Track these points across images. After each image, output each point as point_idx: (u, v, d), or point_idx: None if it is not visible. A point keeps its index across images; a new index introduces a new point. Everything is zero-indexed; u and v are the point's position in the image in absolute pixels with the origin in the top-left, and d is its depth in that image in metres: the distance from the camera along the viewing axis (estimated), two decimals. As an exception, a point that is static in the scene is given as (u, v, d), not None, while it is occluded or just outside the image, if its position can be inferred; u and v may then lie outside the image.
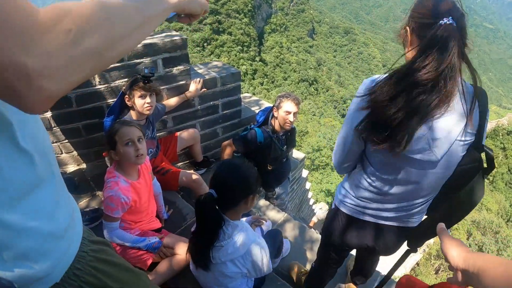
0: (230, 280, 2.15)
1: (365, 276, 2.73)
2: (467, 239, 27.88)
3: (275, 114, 3.60)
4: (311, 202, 8.28)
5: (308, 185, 7.76)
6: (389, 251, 2.08)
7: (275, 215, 3.80)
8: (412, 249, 1.96)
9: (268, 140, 3.68)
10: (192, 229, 2.19)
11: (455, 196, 1.68)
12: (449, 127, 1.49)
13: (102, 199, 2.37)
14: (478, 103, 1.51)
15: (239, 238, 1.98)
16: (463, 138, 1.53)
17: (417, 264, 24.89)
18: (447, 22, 1.39)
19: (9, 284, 0.83)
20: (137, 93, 2.88)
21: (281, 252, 3.10)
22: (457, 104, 1.47)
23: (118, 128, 2.36)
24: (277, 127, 3.66)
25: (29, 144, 0.84)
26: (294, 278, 3.03)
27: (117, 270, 1.18)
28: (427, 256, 25.93)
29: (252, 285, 2.41)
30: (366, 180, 1.85)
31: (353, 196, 1.96)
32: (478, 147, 1.57)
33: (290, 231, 3.58)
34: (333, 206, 2.18)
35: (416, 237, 1.94)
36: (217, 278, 2.12)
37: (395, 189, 1.79)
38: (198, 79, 3.71)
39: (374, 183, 1.83)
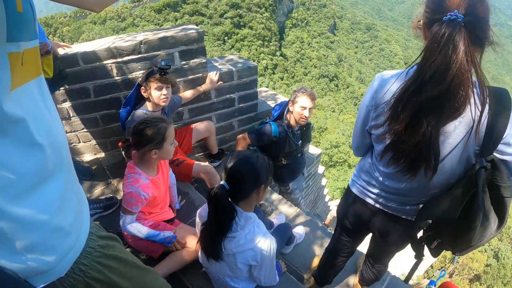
0: (240, 272, 2.18)
1: (373, 274, 2.70)
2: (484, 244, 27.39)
3: (291, 108, 3.60)
4: (326, 199, 8.27)
5: (324, 181, 7.74)
6: (388, 239, 2.07)
7: (287, 209, 3.80)
8: (415, 255, 1.93)
9: (283, 135, 3.69)
10: (201, 211, 2.23)
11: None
12: (450, 131, 1.46)
13: (123, 191, 2.38)
14: (489, 109, 1.40)
15: (251, 230, 2.02)
16: (471, 144, 1.48)
17: (431, 266, 24.61)
18: (451, 18, 1.30)
19: (14, 275, 0.83)
20: (154, 85, 2.90)
21: (292, 240, 3.15)
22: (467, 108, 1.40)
23: (166, 127, 2.38)
24: (292, 121, 3.66)
25: (44, 139, 0.85)
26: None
27: (124, 266, 1.17)
28: (442, 259, 25.62)
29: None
30: (369, 165, 1.92)
31: (359, 177, 2.04)
32: (483, 154, 1.49)
33: (301, 226, 3.58)
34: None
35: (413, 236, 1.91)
36: (227, 269, 2.16)
37: (389, 182, 1.83)
38: (215, 72, 3.73)
39: (374, 171, 1.89)
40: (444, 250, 1.82)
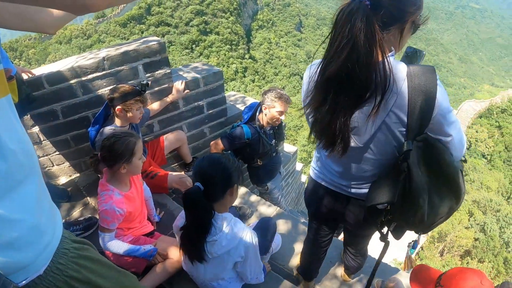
0: (227, 272, 2.22)
1: (354, 262, 2.73)
2: (468, 220, 28.04)
3: (264, 111, 3.63)
4: (308, 195, 8.29)
5: (303, 178, 7.79)
6: (348, 221, 2.11)
7: (266, 209, 3.84)
8: (380, 238, 1.95)
9: (255, 136, 3.72)
10: (176, 223, 2.25)
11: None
12: (369, 113, 1.46)
13: (97, 210, 2.39)
14: (408, 90, 1.41)
15: (230, 230, 2.05)
16: (392, 125, 1.51)
17: (422, 248, 24.94)
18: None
19: None
20: (136, 105, 2.91)
21: (270, 248, 3.14)
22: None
23: (135, 142, 2.39)
24: (264, 123, 3.70)
25: (16, 146, 0.93)
26: None
27: (101, 267, 1.24)
28: (431, 239, 26.00)
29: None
30: (317, 149, 1.97)
31: (314, 161, 2.09)
32: (409, 136, 1.51)
33: (282, 225, 3.62)
34: None
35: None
36: (212, 271, 2.19)
37: (329, 163, 1.92)
38: (181, 81, 3.74)
39: (319, 153, 1.98)
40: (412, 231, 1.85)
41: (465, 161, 1.78)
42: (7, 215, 0.92)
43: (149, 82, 2.95)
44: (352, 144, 1.63)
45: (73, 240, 1.20)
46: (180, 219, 2.22)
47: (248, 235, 2.10)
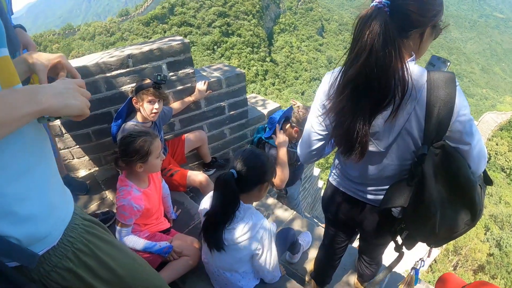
0: (242, 264, 2.24)
1: (368, 270, 2.71)
2: (485, 234, 27.57)
3: (292, 130, 3.59)
4: (324, 201, 8.26)
5: (320, 183, 7.77)
6: (365, 229, 2.08)
7: (283, 213, 3.82)
8: (395, 248, 1.96)
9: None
10: (200, 207, 2.28)
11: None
12: (390, 119, 1.46)
13: (115, 204, 2.41)
14: (427, 95, 1.41)
15: (249, 220, 2.08)
16: (414, 131, 1.50)
17: (435, 260, 24.58)
18: (375, 4, 1.32)
19: (18, 242, 1.02)
20: (146, 98, 2.91)
21: (298, 248, 3.16)
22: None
23: (151, 141, 2.40)
24: (291, 138, 3.67)
25: (31, 132, 1.06)
26: None
27: (110, 247, 1.32)
28: (445, 252, 25.61)
29: (259, 278, 2.50)
30: (336, 155, 1.97)
31: (334, 166, 2.08)
32: (426, 141, 1.50)
33: (299, 228, 3.60)
34: None
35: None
36: (228, 261, 2.21)
37: (348, 169, 1.90)
38: (203, 81, 3.76)
39: (339, 159, 1.97)
40: (423, 243, 1.83)
41: (489, 182, 1.75)
42: (25, 193, 1.03)
43: (165, 76, 2.94)
44: (373, 148, 1.63)
45: (84, 217, 1.30)
46: (206, 202, 2.28)
47: (266, 228, 2.13)
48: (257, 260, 2.21)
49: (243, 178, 1.97)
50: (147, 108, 2.94)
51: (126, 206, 2.35)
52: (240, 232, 2.06)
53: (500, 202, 42.19)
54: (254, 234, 2.09)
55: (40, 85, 0.98)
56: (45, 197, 1.09)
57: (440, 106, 1.40)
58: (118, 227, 2.44)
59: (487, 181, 1.75)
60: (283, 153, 3.35)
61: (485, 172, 1.72)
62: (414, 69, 1.44)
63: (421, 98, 1.42)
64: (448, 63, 1.68)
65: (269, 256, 2.23)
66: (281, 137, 3.37)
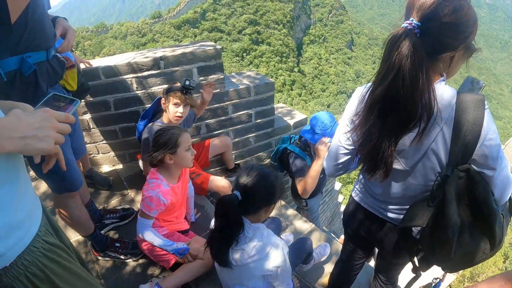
0: (252, 281, 2.17)
1: None
2: (504, 262, 26.76)
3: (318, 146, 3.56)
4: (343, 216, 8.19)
5: (340, 198, 7.70)
6: (384, 247, 2.05)
7: (302, 225, 3.80)
8: (412, 269, 1.92)
9: (311, 163, 3.67)
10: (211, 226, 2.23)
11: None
12: (416, 141, 1.45)
13: (143, 195, 2.44)
14: (455, 117, 1.40)
15: (260, 240, 2.00)
16: (441, 152, 1.49)
17: (450, 286, 24.01)
18: (405, 26, 1.33)
19: None
20: (173, 100, 2.94)
21: (310, 258, 3.13)
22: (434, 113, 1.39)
23: (179, 133, 2.43)
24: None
25: None
26: None
27: (68, 273, 1.26)
28: (461, 278, 24.98)
29: None
30: (361, 171, 1.92)
31: (358, 182, 2.06)
32: (450, 163, 1.48)
33: (316, 243, 3.56)
34: None
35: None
36: (238, 276, 2.16)
37: (372, 186, 1.88)
38: (208, 80, 3.66)
39: (363, 176, 1.93)
40: (438, 267, 1.80)
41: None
42: None
43: (193, 82, 2.93)
44: (398, 166, 1.61)
45: (46, 241, 1.22)
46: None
47: (279, 249, 2.04)
48: (270, 279, 2.15)
49: (249, 200, 1.88)
50: (171, 110, 2.97)
51: (154, 197, 2.38)
52: (249, 253, 1.97)
53: (522, 230, 41.08)
54: (265, 255, 2.01)
55: (11, 121, 0.95)
56: (5, 218, 1.05)
57: (468, 128, 1.38)
58: (140, 218, 2.47)
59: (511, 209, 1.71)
60: (319, 164, 3.31)
61: (510, 200, 1.68)
62: (444, 90, 1.43)
63: (449, 119, 1.41)
64: (483, 85, 1.66)
65: (282, 274, 2.15)
66: (322, 148, 3.33)
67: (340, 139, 1.79)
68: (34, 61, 1.78)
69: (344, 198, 8.21)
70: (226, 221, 1.89)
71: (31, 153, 1.00)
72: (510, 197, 1.65)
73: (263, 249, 1.99)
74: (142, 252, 2.78)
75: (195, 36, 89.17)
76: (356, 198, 2.09)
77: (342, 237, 6.79)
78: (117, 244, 2.82)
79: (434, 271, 2.05)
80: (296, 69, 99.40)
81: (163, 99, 2.99)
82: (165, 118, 3.07)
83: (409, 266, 2.06)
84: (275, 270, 2.04)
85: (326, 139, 3.26)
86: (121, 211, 3.18)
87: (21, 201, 1.12)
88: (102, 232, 3.05)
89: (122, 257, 2.80)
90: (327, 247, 3.37)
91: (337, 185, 6.97)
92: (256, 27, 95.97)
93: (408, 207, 1.72)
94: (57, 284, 1.19)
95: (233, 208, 1.83)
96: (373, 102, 1.46)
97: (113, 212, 3.16)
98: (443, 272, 1.91)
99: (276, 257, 2.02)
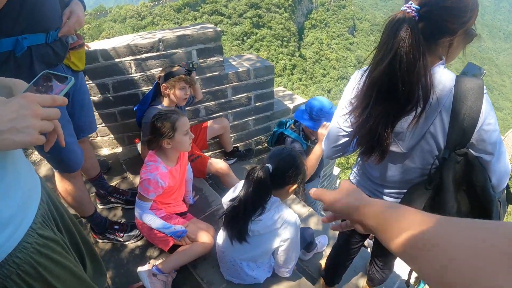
0: (262, 255, 2.27)
1: (379, 275, 2.69)
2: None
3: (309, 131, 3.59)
4: (341, 201, 8.22)
5: (338, 183, 7.71)
6: None
7: (300, 209, 3.81)
8: None
9: (306, 147, 3.68)
10: (226, 198, 2.28)
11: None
12: (413, 124, 1.45)
13: (140, 178, 2.46)
14: (453, 101, 1.42)
15: (276, 211, 2.10)
16: (438, 135, 1.50)
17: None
18: (404, 9, 1.33)
19: None
20: (179, 85, 2.96)
21: (315, 246, 3.18)
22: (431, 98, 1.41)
23: (177, 118, 2.43)
24: (308, 135, 3.66)
25: None
26: None
27: (60, 269, 1.20)
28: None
29: (272, 270, 2.51)
30: (359, 153, 1.94)
31: (356, 164, 2.10)
32: (448, 147, 1.50)
33: (314, 226, 3.59)
34: None
35: None
36: (248, 252, 2.24)
37: (369, 169, 1.91)
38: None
39: (361, 160, 1.96)
40: None
41: (511, 200, 1.72)
42: None
43: (196, 63, 2.97)
44: (396, 149, 1.62)
45: (40, 234, 1.14)
46: (231, 194, 2.28)
47: (293, 221, 2.15)
48: (281, 251, 2.23)
49: (277, 175, 1.98)
50: (179, 95, 2.98)
51: (151, 180, 2.38)
52: (267, 223, 2.08)
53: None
54: (281, 226, 2.11)
55: None
56: None
57: (466, 112, 1.40)
58: (138, 200, 2.48)
59: (509, 199, 1.72)
60: (321, 148, 3.31)
61: (508, 189, 1.70)
62: (443, 73, 1.44)
63: (448, 103, 1.43)
64: (483, 72, 1.65)
65: (291, 250, 2.24)
66: (321, 131, 3.33)
67: (338, 121, 1.80)
68: (30, 43, 1.77)
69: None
70: (256, 190, 1.98)
71: (11, 148, 0.87)
72: (508, 186, 1.66)
73: (279, 221, 2.10)
74: (141, 234, 2.81)
75: (195, 19, 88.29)
76: (353, 181, 2.11)
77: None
78: (116, 227, 2.84)
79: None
80: (297, 54, 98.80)
81: (164, 85, 2.97)
82: (165, 102, 3.07)
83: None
84: (288, 241, 2.15)
85: (327, 124, 3.25)
86: (130, 195, 3.20)
87: (9, 196, 1.02)
88: (103, 207, 3.13)
89: (121, 239, 2.82)
90: (326, 238, 3.42)
91: (336, 170, 6.98)
92: (257, 10, 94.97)
93: (405, 191, 1.74)
94: (49, 281, 1.14)
95: (264, 177, 1.92)
96: (370, 85, 1.47)
97: (122, 194, 3.18)
98: None
99: (290, 229, 2.13)
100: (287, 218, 2.13)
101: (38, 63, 1.85)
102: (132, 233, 2.84)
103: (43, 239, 1.14)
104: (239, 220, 2.10)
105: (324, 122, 3.27)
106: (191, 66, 2.95)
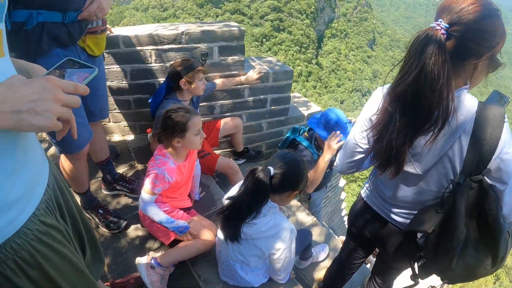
0: (255, 259, 2.24)
1: None
2: (494, 283, 26.73)
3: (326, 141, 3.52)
4: (343, 213, 8.20)
5: (343, 195, 7.69)
6: (387, 251, 2.05)
7: (304, 217, 3.78)
8: (411, 276, 1.90)
9: (317, 156, 3.64)
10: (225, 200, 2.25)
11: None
12: (430, 142, 1.44)
13: (148, 171, 2.45)
14: (474, 126, 1.41)
15: (272, 218, 2.08)
16: (456, 160, 1.49)
17: (438, 295, 23.90)
18: (433, 26, 1.32)
19: None
20: (198, 77, 2.99)
21: (310, 253, 3.13)
22: (452, 121, 1.39)
23: (189, 117, 2.40)
24: (321, 145, 3.62)
25: None
26: None
27: (60, 258, 1.15)
28: (449, 290, 24.96)
29: (268, 276, 2.49)
30: (374, 171, 1.95)
31: (369, 180, 2.07)
32: (464, 172, 1.49)
33: (316, 236, 3.55)
34: None
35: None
36: (241, 254, 2.21)
37: (383, 188, 1.88)
38: (259, 70, 3.79)
39: (375, 176, 1.92)
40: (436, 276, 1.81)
41: None
42: None
43: (208, 52, 2.99)
44: (411, 170, 1.62)
45: (42, 221, 1.09)
46: (232, 192, 2.26)
47: (288, 230, 2.12)
48: (273, 259, 2.20)
49: (278, 180, 1.96)
50: (199, 86, 3.03)
51: (159, 175, 2.37)
52: (260, 229, 2.06)
53: (517, 254, 40.96)
54: (275, 233, 2.09)
55: (1, 91, 0.79)
56: None
57: (485, 139, 1.40)
58: (143, 193, 2.46)
59: None
60: (327, 158, 3.27)
61: None
62: (466, 98, 1.44)
63: (468, 128, 1.42)
64: (508, 100, 1.63)
65: (286, 257, 2.21)
66: (333, 144, 3.30)
67: (356, 137, 1.79)
68: (44, 20, 1.80)
69: (346, 196, 8.19)
70: (253, 192, 1.96)
71: (27, 131, 0.84)
72: None
73: (274, 228, 2.07)
74: (120, 227, 2.82)
75: (217, 16, 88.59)
76: (364, 197, 2.09)
77: (342, 237, 6.79)
78: (100, 211, 2.84)
79: (430, 281, 2.04)
80: (314, 61, 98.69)
81: (183, 80, 2.97)
82: (180, 96, 3.08)
83: (405, 272, 2.08)
84: (281, 251, 2.11)
85: (336, 134, 3.22)
86: (136, 184, 3.18)
87: (17, 178, 0.98)
88: (108, 193, 3.14)
89: (99, 224, 2.84)
90: (326, 248, 3.37)
91: (342, 182, 6.95)
92: (279, 14, 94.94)
93: (416, 212, 1.71)
94: (46, 270, 1.09)
95: (264, 180, 1.90)
96: (393, 99, 1.46)
97: (128, 182, 3.17)
98: (440, 283, 1.92)
99: (284, 239, 2.10)
100: (282, 227, 2.11)
101: (47, 40, 1.87)
102: (114, 224, 2.83)
103: (44, 226, 1.10)
104: (234, 220, 2.09)
105: (333, 133, 3.24)
106: (205, 55, 3.06)
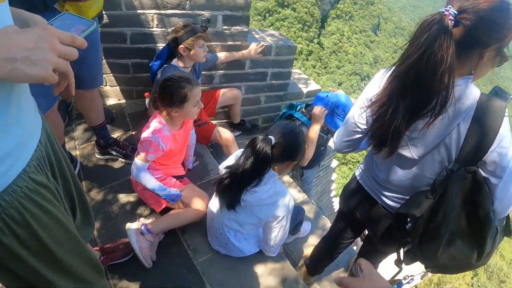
0: (250, 227, 2.29)
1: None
2: (472, 278, 27.17)
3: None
4: (332, 194, 8.26)
5: (334, 176, 7.72)
6: (376, 233, 2.07)
7: (296, 194, 3.80)
8: (395, 261, 1.92)
9: None
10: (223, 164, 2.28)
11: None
12: (426, 126, 1.45)
13: (142, 136, 2.41)
14: (474, 116, 1.42)
15: (272, 186, 2.11)
16: (451, 147, 1.50)
17: (416, 287, 24.27)
18: (442, 11, 1.32)
19: None
20: (198, 44, 2.94)
21: (299, 230, 3.17)
22: (449, 108, 1.41)
23: (190, 88, 2.36)
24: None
25: None
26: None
27: (48, 217, 1.12)
28: (428, 282, 25.36)
29: (259, 246, 2.54)
30: (370, 152, 1.96)
31: (364, 162, 2.08)
32: (459, 161, 1.50)
33: (305, 213, 3.58)
34: None
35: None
36: (236, 221, 2.25)
37: (378, 171, 1.88)
38: (261, 44, 3.74)
39: (371, 158, 1.95)
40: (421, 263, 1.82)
41: (508, 232, 1.71)
42: None
43: (210, 19, 2.95)
44: (407, 154, 1.63)
45: (32, 179, 1.05)
46: (230, 160, 2.28)
47: (286, 200, 2.16)
48: (270, 226, 2.24)
49: (278, 149, 1.98)
50: (199, 53, 2.97)
51: (153, 142, 2.35)
52: (261, 196, 2.08)
53: (496, 253, 41.64)
54: (274, 201, 2.12)
55: (2, 35, 0.75)
56: None
57: (484, 130, 1.41)
58: (136, 159, 2.44)
59: (507, 230, 1.71)
60: (316, 130, 3.32)
61: (508, 221, 1.70)
62: (469, 87, 1.44)
63: (467, 117, 1.43)
64: (510, 97, 1.62)
65: (282, 226, 2.24)
66: (318, 112, 3.31)
67: (355, 116, 1.81)
68: None
69: (337, 177, 8.22)
70: (255, 160, 1.97)
71: (21, 81, 0.82)
72: (509, 216, 1.66)
73: (274, 196, 2.11)
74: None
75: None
76: (358, 178, 2.10)
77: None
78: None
79: (414, 266, 2.05)
80: (315, 41, 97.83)
81: (182, 47, 2.92)
82: (181, 63, 3.03)
83: (390, 258, 2.11)
84: (279, 218, 2.16)
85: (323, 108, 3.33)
86: (130, 149, 3.16)
87: (9, 132, 0.95)
88: (100, 157, 3.13)
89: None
90: (309, 225, 3.43)
91: (334, 163, 6.97)
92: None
93: (407, 197, 1.73)
94: (34, 229, 1.06)
95: (266, 149, 1.92)
96: (394, 79, 1.47)
97: (122, 148, 3.14)
98: (420, 273, 1.93)
99: (283, 207, 2.14)
100: (281, 196, 2.14)
101: (18, 4, 1.80)
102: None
103: (35, 184, 1.06)
104: (233, 188, 2.10)
105: (319, 106, 3.33)
106: (207, 21, 2.98)
